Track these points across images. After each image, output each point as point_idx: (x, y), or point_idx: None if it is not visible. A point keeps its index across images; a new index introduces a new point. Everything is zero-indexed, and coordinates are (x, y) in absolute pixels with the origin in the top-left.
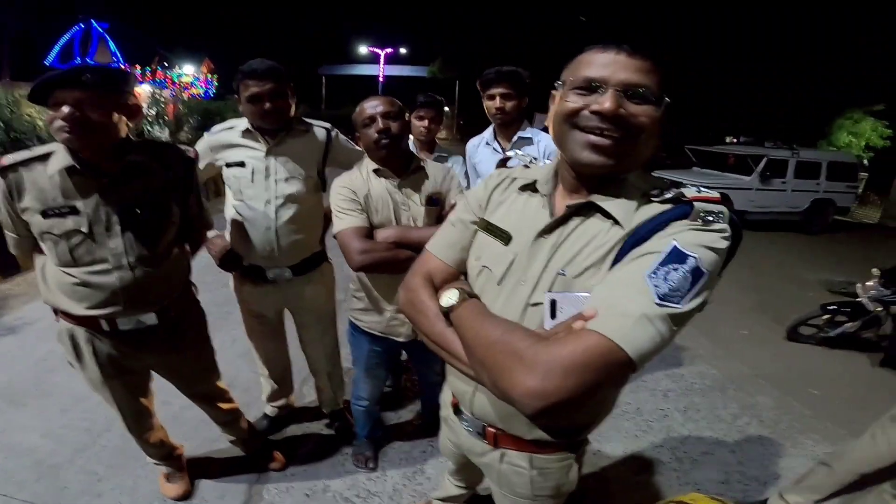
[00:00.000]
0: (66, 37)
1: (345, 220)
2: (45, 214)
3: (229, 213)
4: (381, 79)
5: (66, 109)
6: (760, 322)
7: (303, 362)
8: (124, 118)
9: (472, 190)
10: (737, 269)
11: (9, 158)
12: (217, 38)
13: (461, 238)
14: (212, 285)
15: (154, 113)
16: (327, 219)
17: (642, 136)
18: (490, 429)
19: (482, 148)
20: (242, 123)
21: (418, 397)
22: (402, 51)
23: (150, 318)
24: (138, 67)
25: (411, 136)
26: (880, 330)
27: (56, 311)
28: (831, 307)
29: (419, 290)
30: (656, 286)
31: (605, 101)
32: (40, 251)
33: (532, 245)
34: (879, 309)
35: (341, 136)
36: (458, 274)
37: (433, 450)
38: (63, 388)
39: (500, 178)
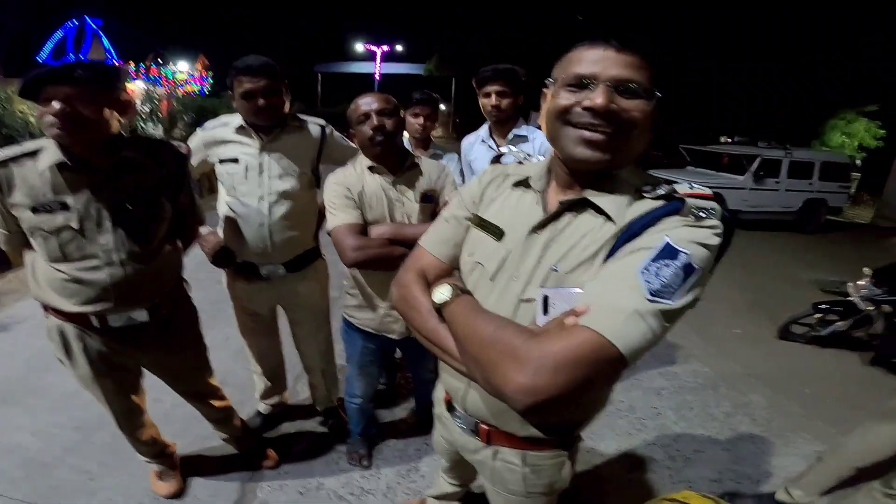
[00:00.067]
0: (60, 33)
1: (339, 217)
2: (34, 210)
3: (222, 209)
4: (377, 76)
5: (56, 105)
6: (753, 321)
7: (296, 359)
8: (116, 114)
9: (466, 186)
10: (730, 268)
11: None
12: (213, 35)
13: (454, 234)
14: (205, 282)
15: (148, 110)
16: (321, 215)
17: (634, 131)
18: (483, 426)
19: (477, 145)
20: (236, 120)
21: (412, 395)
22: (399, 48)
23: (142, 315)
24: (132, 64)
25: (406, 134)
26: (871, 329)
27: (46, 308)
28: (823, 306)
29: (412, 286)
30: (648, 282)
31: (597, 97)
32: (31, 247)
33: (525, 241)
34: (871, 308)
35: (336, 133)
36: (452, 270)
37: (427, 447)
38: (54, 386)
39: (493, 174)
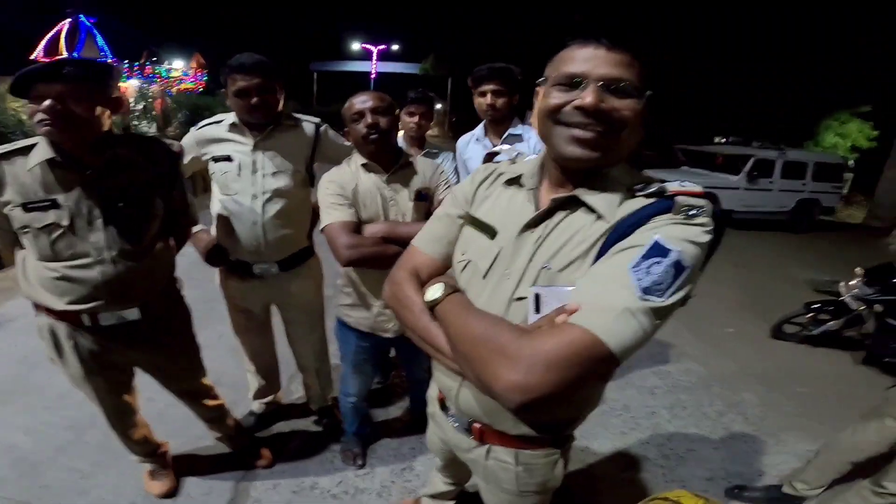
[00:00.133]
0: (53, 31)
1: (332, 215)
2: (25, 208)
3: (215, 207)
4: (372, 75)
5: (47, 102)
6: (746, 320)
7: (291, 358)
8: (107, 112)
9: (459, 184)
10: (724, 267)
11: None
12: (209, 32)
13: (447, 232)
14: (198, 281)
15: (141, 108)
16: (315, 214)
17: (625, 130)
18: (476, 424)
19: (473, 144)
20: (230, 118)
21: (407, 393)
22: (395, 47)
23: (133, 314)
24: (126, 62)
25: (402, 132)
26: (863, 328)
27: (37, 306)
28: (815, 306)
29: (404, 284)
30: (639, 280)
31: (587, 97)
32: (21, 245)
33: (517, 239)
34: (862, 307)
35: (330, 131)
36: (445, 268)
37: (422, 446)
38: (46, 385)
39: (486, 172)
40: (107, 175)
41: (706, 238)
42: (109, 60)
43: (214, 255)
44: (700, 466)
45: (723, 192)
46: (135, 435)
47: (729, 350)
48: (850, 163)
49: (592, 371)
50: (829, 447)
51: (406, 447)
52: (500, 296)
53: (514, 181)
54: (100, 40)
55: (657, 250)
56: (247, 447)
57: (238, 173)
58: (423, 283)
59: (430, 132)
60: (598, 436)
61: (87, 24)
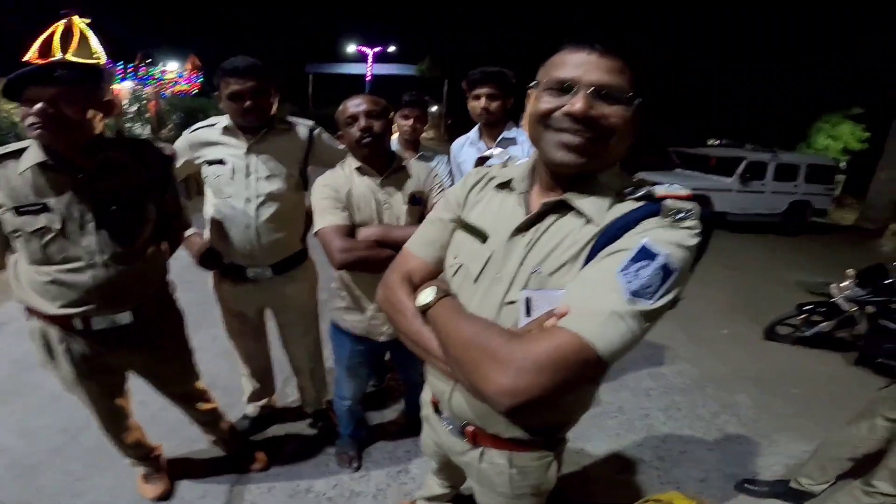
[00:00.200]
0: (47, 32)
1: (326, 219)
2: (17, 211)
3: (209, 211)
4: (368, 77)
5: (38, 105)
6: (740, 321)
7: (285, 361)
8: (99, 115)
9: (451, 188)
10: (717, 269)
11: None
12: (205, 34)
13: (439, 236)
14: (192, 284)
15: (135, 110)
16: (309, 217)
17: (614, 137)
18: (469, 427)
19: (467, 148)
20: (223, 121)
21: (402, 396)
22: (391, 49)
23: (125, 317)
24: (122, 63)
25: (396, 135)
26: (855, 329)
27: (28, 310)
28: (807, 307)
29: (396, 288)
30: (627, 283)
31: (576, 103)
32: (13, 249)
33: (508, 243)
34: (854, 309)
35: (324, 135)
36: (437, 272)
37: (417, 449)
38: (39, 388)
39: (477, 176)
40: (99, 178)
41: (694, 241)
42: (103, 62)
43: (207, 258)
44: (695, 468)
45: (716, 195)
46: (128, 438)
47: (722, 351)
48: (842, 165)
49: (581, 374)
50: (827, 444)
51: (401, 450)
52: (491, 299)
53: (505, 185)
54: (94, 41)
55: (645, 254)
56: (241, 450)
57: (231, 177)
58: (415, 287)
59: (425, 134)
60: (592, 437)
61: (82, 24)
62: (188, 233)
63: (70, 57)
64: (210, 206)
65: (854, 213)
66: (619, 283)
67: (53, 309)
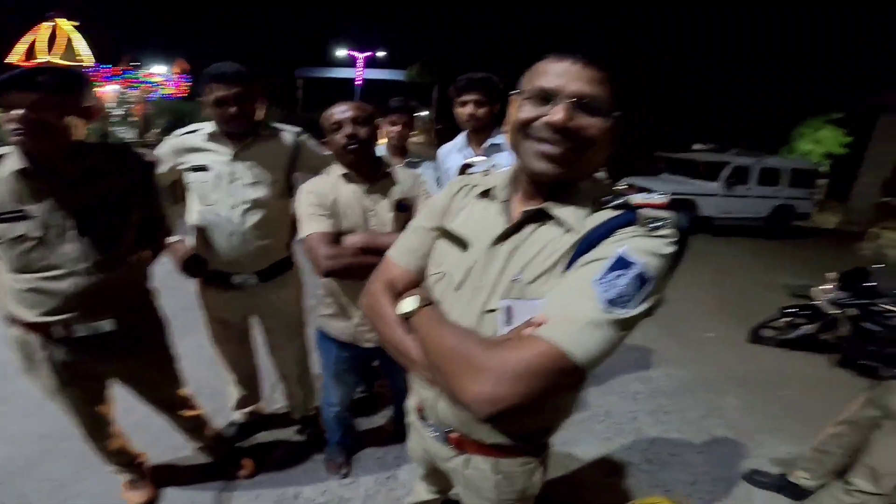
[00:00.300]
0: (32, 34)
1: (311, 226)
2: None
3: (193, 217)
4: (358, 82)
5: (19, 111)
6: (726, 324)
7: (272, 368)
8: (80, 121)
9: (434, 196)
10: (703, 273)
11: None
12: (195, 37)
13: (421, 244)
14: (178, 290)
15: (122, 113)
16: (295, 224)
17: (592, 147)
18: (453, 434)
19: (454, 154)
20: (208, 127)
21: (391, 403)
22: (381, 54)
23: (107, 325)
24: (110, 66)
25: (385, 141)
26: (838, 332)
27: (9, 318)
28: (791, 310)
29: (379, 297)
30: (604, 292)
31: (557, 113)
32: None
33: (488, 251)
34: (836, 312)
35: (310, 141)
36: (419, 280)
37: (406, 455)
38: (21, 394)
39: (460, 184)
40: (80, 185)
41: (670, 249)
42: (89, 65)
43: (191, 265)
44: (683, 470)
45: (702, 199)
46: (111, 446)
47: (709, 354)
48: (823, 169)
49: (559, 382)
50: (820, 440)
51: (390, 456)
52: (472, 308)
53: (487, 193)
54: (79, 44)
55: (621, 263)
56: (228, 457)
57: (216, 183)
58: (398, 295)
59: (416, 139)
60: (581, 441)
61: (68, 27)
62: (172, 239)
63: (55, 60)
64: (194, 212)
65: (837, 217)
66: (595, 291)
67: (34, 317)
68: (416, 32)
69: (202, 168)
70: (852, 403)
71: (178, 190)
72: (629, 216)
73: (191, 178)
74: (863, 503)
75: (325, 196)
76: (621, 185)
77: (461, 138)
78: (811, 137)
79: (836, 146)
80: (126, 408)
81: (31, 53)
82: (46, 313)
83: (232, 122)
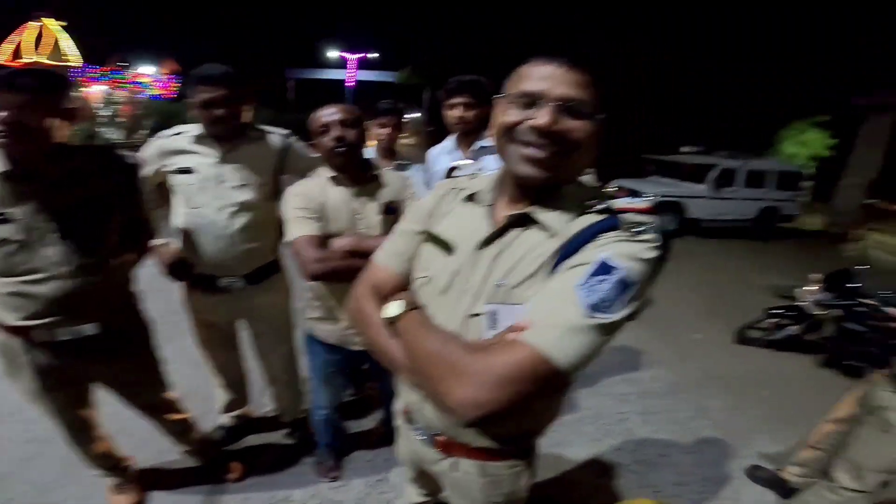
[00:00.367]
0: (18, 34)
1: (298, 229)
2: None
3: (178, 220)
4: (351, 83)
5: (1, 114)
6: (713, 326)
7: (261, 371)
8: (62, 123)
9: (420, 200)
10: (691, 275)
11: None
12: (185, 38)
13: (407, 248)
14: (164, 293)
15: (109, 114)
16: (283, 227)
17: (577, 151)
18: (440, 437)
19: (443, 157)
20: (194, 129)
21: (381, 405)
22: (373, 56)
23: (90, 329)
24: (98, 67)
25: (374, 144)
26: (822, 333)
27: None
28: (776, 311)
29: (364, 301)
30: (586, 297)
31: (542, 117)
32: None
33: (473, 255)
34: (821, 313)
35: (298, 144)
36: (405, 284)
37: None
38: (5, 398)
39: (446, 187)
40: (62, 187)
41: (652, 254)
42: (75, 65)
43: (177, 268)
44: (672, 471)
45: (690, 201)
46: (95, 449)
47: (697, 356)
48: (809, 171)
49: (541, 387)
50: (813, 441)
51: (381, 458)
52: (457, 312)
53: (473, 197)
54: (66, 44)
55: (603, 268)
56: (216, 461)
57: (202, 186)
58: (384, 299)
59: (407, 141)
60: (571, 443)
61: (55, 27)
62: (157, 242)
63: (42, 60)
64: (180, 215)
65: (822, 219)
66: (577, 297)
67: (15, 320)
68: (408, 34)
69: (188, 170)
70: (842, 402)
71: (163, 192)
72: (612, 221)
73: (176, 180)
74: (848, 500)
75: (312, 199)
76: (611, 188)
77: (450, 141)
78: (797, 140)
79: (821, 148)
80: (111, 412)
81: (17, 54)
82: (29, 317)
83: (218, 124)
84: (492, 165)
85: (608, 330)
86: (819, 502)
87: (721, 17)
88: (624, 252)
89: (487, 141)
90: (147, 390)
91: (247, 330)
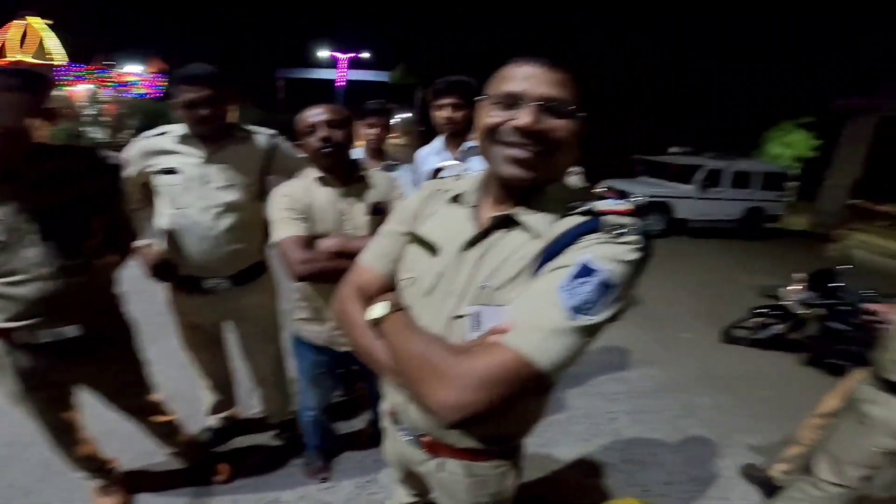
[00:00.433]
0: (4, 33)
1: (285, 230)
2: None
3: (163, 221)
4: (342, 83)
5: None
6: (700, 325)
7: (248, 372)
8: (41, 122)
9: (405, 201)
10: (679, 274)
11: None
12: (172, 36)
13: (392, 249)
14: (150, 295)
15: (94, 113)
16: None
17: (560, 150)
18: (426, 437)
19: (431, 157)
20: (178, 129)
21: (371, 406)
22: (365, 55)
23: (72, 331)
24: (84, 66)
25: (363, 144)
26: (806, 331)
27: None
28: (761, 310)
29: (349, 302)
30: (567, 300)
31: (523, 117)
32: None
33: (457, 257)
34: (804, 312)
35: (285, 144)
36: (391, 285)
37: None
38: None
39: (431, 189)
40: (42, 188)
41: (634, 256)
42: (60, 63)
43: (161, 270)
44: (660, 470)
45: (678, 202)
46: (78, 452)
47: (684, 355)
48: (793, 172)
49: (523, 389)
50: (799, 438)
51: (370, 459)
52: (441, 313)
53: (458, 198)
54: (51, 43)
55: (585, 270)
56: (203, 462)
57: (186, 186)
58: (369, 300)
59: (399, 141)
60: (560, 442)
61: (41, 25)
62: (141, 243)
63: (26, 59)
64: (164, 216)
65: (806, 219)
66: (559, 299)
67: None
68: (401, 34)
69: (172, 171)
70: (828, 397)
71: (148, 193)
72: (594, 223)
73: (160, 181)
74: (830, 495)
75: (298, 200)
76: (600, 188)
77: (439, 142)
78: (782, 141)
79: (805, 149)
80: (95, 414)
81: (1, 52)
82: (9, 319)
83: (203, 124)
84: (477, 166)
85: (590, 332)
86: (802, 497)
87: (711, 21)
88: (606, 254)
89: (476, 141)
90: (131, 392)
91: (233, 331)
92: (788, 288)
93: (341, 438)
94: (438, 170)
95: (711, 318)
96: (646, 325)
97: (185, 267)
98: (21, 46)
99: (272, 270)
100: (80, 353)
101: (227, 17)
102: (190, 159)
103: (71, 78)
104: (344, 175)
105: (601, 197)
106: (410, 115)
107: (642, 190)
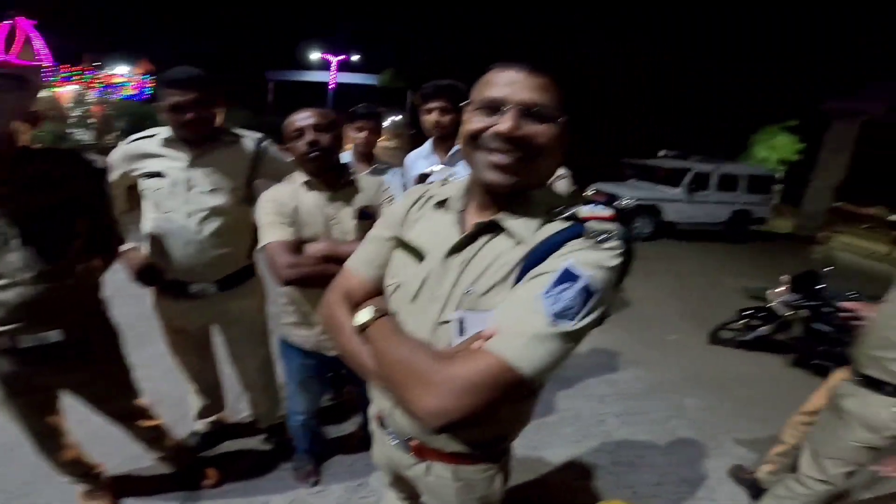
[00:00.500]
0: None
1: (272, 234)
2: None
3: (148, 225)
4: (332, 86)
5: None
6: (687, 327)
7: (236, 377)
8: (24, 125)
9: (392, 206)
10: (666, 277)
11: None
12: (161, 37)
13: (379, 254)
14: (136, 299)
15: (80, 115)
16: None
17: (542, 154)
18: (413, 441)
19: (420, 161)
20: (163, 132)
21: (360, 409)
22: (355, 58)
23: (55, 336)
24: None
25: (351, 147)
26: (791, 333)
27: None
28: (747, 312)
29: (336, 307)
30: (550, 305)
31: (504, 123)
32: None
33: (442, 263)
34: (790, 313)
35: (273, 148)
36: (377, 290)
37: None
38: None
39: (418, 194)
40: (24, 192)
41: (616, 262)
42: (47, 64)
43: (146, 274)
44: (650, 472)
45: (666, 205)
46: (63, 456)
47: (672, 356)
48: (779, 175)
49: (506, 394)
50: (784, 436)
51: (360, 463)
52: (427, 319)
53: (443, 204)
54: (38, 43)
55: (567, 276)
56: (191, 467)
57: (171, 190)
58: (356, 306)
59: (389, 144)
60: (550, 445)
61: (27, 26)
62: (126, 247)
63: (13, 59)
64: (149, 220)
65: (791, 221)
66: (542, 305)
67: None
68: (390, 37)
69: (157, 174)
70: (813, 397)
71: (133, 196)
72: (577, 229)
73: (145, 184)
74: (814, 491)
75: (285, 204)
76: (589, 191)
77: (427, 145)
78: (767, 144)
79: (790, 152)
80: (81, 419)
81: None
82: None
83: (188, 128)
84: (464, 171)
85: (572, 337)
86: (787, 495)
87: (697, 26)
88: (588, 260)
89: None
90: (116, 397)
91: (221, 336)
92: (774, 290)
93: (331, 442)
94: (425, 175)
95: (699, 320)
96: (634, 328)
97: (170, 271)
98: (7, 47)
99: (260, 275)
100: (65, 357)
101: (216, 19)
102: (175, 163)
103: (58, 79)
104: (331, 179)
105: (589, 201)
106: (400, 118)
107: (631, 193)
